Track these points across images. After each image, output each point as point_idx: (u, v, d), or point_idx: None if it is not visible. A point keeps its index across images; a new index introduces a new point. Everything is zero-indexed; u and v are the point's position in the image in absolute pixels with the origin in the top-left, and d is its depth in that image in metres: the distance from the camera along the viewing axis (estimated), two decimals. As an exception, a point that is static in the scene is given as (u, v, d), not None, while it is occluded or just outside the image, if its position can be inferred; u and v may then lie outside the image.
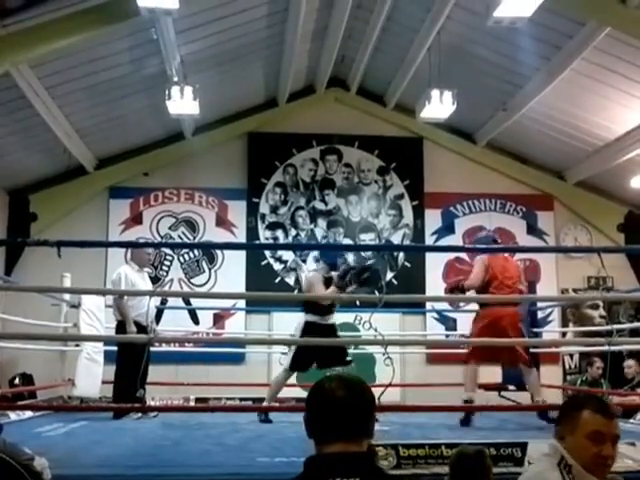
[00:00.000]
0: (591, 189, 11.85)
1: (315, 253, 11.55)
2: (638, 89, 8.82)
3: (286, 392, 7.98)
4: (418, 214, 11.78)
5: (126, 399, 6.66)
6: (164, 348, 9.79)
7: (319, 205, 11.73)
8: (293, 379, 10.12)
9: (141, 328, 7.18)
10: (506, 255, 7.34)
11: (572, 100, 9.65)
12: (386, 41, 10.01)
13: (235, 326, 11.04)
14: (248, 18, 8.82)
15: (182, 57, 8.78)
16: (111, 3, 7.17)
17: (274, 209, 11.60)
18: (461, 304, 10.49)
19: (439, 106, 9.16)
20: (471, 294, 7.09)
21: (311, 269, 8.90)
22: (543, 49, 8.75)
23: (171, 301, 10.73)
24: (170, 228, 11.39)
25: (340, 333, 7.49)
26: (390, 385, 6.28)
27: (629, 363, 8.94)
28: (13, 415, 6.78)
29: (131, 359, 6.65)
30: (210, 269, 11.32)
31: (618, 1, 7.35)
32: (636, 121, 9.45)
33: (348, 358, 7.01)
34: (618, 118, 9.64)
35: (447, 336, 11.12)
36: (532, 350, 8.52)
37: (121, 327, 7.36)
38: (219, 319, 11.10)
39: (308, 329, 6.93)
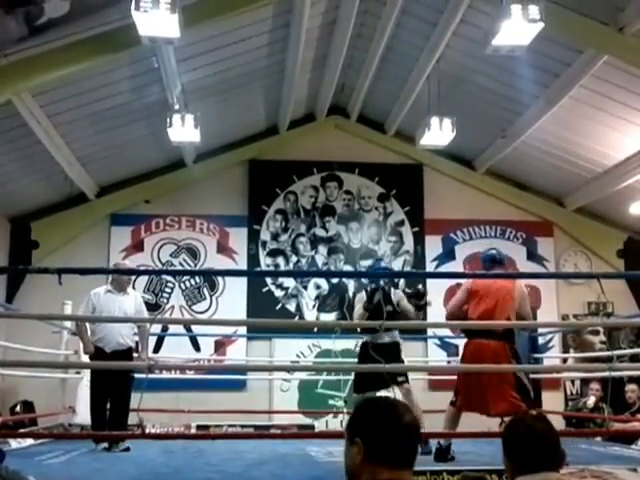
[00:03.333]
0: (590, 215, 11.89)
1: (316, 280, 11.60)
2: (636, 116, 8.89)
3: (288, 419, 8.02)
4: (418, 240, 11.81)
5: (103, 427, 6.77)
6: (165, 375, 9.78)
7: (320, 232, 11.76)
8: (295, 406, 10.20)
9: (103, 354, 6.83)
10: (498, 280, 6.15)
11: (571, 127, 9.72)
12: (386, 69, 10.10)
13: (236, 353, 11.00)
14: (249, 47, 8.90)
15: (183, 85, 8.85)
16: (113, 32, 7.22)
17: (275, 236, 11.63)
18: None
19: (439, 133, 9.24)
20: None
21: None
22: (541, 77, 8.83)
23: (172, 328, 10.73)
24: (171, 255, 11.41)
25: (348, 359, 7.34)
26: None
27: (632, 387, 8.90)
28: (14, 443, 6.76)
29: (96, 386, 6.84)
30: (211, 296, 11.33)
31: (615, 29, 7.43)
32: (634, 148, 9.50)
33: (401, 378, 6.61)
34: (617, 145, 9.70)
35: (449, 362, 11.10)
36: (533, 376, 8.51)
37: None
38: (220, 346, 11.08)
39: (361, 350, 6.94)
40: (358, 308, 7.07)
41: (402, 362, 6.93)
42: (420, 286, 7.91)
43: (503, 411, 5.66)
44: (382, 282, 7.05)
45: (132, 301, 7.17)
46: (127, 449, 6.67)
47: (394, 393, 6.30)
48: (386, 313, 6.73)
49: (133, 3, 6.10)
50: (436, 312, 10.78)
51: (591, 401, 9.20)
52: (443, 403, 6.51)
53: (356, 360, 10.22)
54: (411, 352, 11.03)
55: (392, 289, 7.12)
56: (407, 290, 7.33)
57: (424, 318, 7.82)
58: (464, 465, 5.63)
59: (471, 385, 5.85)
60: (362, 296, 7.14)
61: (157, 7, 6.07)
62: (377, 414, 2.08)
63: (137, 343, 7.24)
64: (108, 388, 6.77)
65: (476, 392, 5.78)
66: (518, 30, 6.53)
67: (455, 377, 6.39)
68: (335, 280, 11.55)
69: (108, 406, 6.88)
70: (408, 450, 2.03)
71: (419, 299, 6.89)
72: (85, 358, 8.41)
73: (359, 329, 7.18)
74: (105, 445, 6.70)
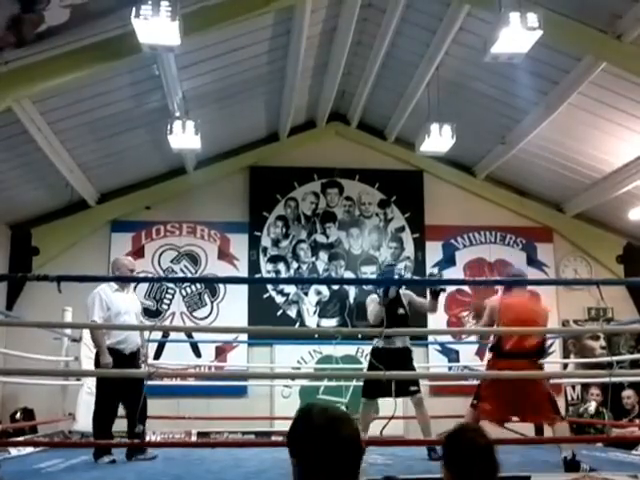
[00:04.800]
0: (590, 221, 11.92)
1: (316, 286, 11.62)
2: (634, 123, 8.92)
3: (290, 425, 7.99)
4: (419, 246, 11.84)
5: (105, 436, 6.37)
6: (165, 382, 9.78)
7: (320, 238, 11.78)
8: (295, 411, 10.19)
9: (122, 357, 6.39)
10: (526, 300, 6.22)
11: (570, 134, 9.75)
12: (386, 76, 10.13)
13: (237, 359, 11.02)
14: (249, 54, 8.94)
15: (184, 92, 8.88)
16: (113, 40, 7.25)
17: (276, 242, 11.65)
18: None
19: (438, 140, 9.27)
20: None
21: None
22: (540, 84, 8.86)
23: (173, 334, 10.75)
24: (172, 261, 11.44)
25: (354, 365, 7.16)
26: (393, 418, 6.31)
27: (628, 393, 8.88)
28: (14, 450, 6.75)
29: (108, 392, 6.33)
30: (212, 302, 11.34)
31: (613, 37, 7.46)
32: (633, 154, 9.53)
33: (413, 388, 6.50)
34: (615, 151, 9.72)
35: (450, 368, 11.11)
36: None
37: (96, 356, 6.50)
38: (221, 352, 11.09)
39: (373, 355, 6.63)
40: (373, 307, 6.76)
41: (414, 369, 6.78)
42: (435, 270, 7.70)
43: (539, 420, 6.14)
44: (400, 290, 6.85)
45: (136, 299, 7.07)
46: (154, 457, 6.45)
47: (395, 402, 6.22)
48: (399, 316, 6.64)
49: (133, 11, 6.13)
50: (437, 318, 10.91)
51: (592, 407, 9.22)
52: (445, 409, 6.54)
53: (357, 366, 10.32)
54: (414, 358, 11.07)
55: (400, 291, 6.85)
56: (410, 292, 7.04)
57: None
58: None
59: (505, 393, 5.78)
60: (374, 297, 6.85)
61: (157, 15, 6.10)
62: (310, 431, 1.99)
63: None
64: (121, 394, 6.38)
65: (511, 400, 5.75)
66: (517, 38, 6.55)
67: (456, 383, 6.42)
68: (336, 286, 11.57)
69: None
70: (345, 466, 1.94)
71: (436, 297, 6.69)
72: (87, 365, 8.45)
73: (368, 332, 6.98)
74: (112, 458, 6.24)
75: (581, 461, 5.40)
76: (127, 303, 6.73)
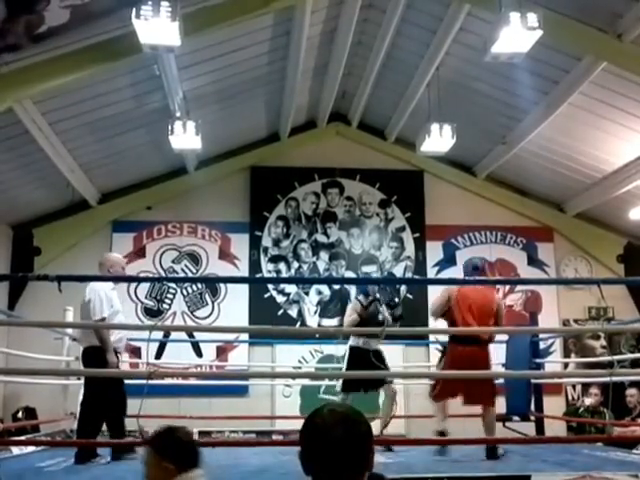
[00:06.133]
0: (590, 221, 11.93)
1: (317, 285, 11.64)
2: (635, 122, 8.92)
3: (291, 424, 7.99)
4: (419, 246, 11.85)
5: (91, 435, 6.19)
6: (167, 381, 9.78)
7: (321, 238, 11.80)
8: (297, 411, 10.21)
9: (117, 356, 6.34)
10: (480, 287, 6.75)
11: (570, 133, 9.76)
12: (386, 77, 10.14)
13: (238, 358, 11.03)
14: (250, 55, 8.95)
15: (185, 93, 8.89)
16: (113, 40, 7.25)
17: (276, 242, 11.67)
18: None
19: (439, 140, 9.27)
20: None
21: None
22: (541, 84, 8.86)
23: (174, 334, 10.76)
24: (173, 261, 11.46)
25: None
26: (394, 417, 6.34)
27: (631, 392, 8.90)
28: (15, 449, 6.76)
29: (101, 392, 6.12)
30: (213, 302, 11.36)
31: (614, 36, 7.46)
32: (634, 154, 9.54)
33: (389, 379, 7.31)
34: (616, 151, 9.73)
35: (441, 360, 11.09)
36: (535, 381, 8.55)
37: (92, 354, 6.25)
38: (222, 351, 11.11)
39: (352, 352, 7.26)
40: (350, 314, 7.44)
41: (387, 367, 7.31)
42: (396, 299, 8.44)
43: (479, 402, 6.51)
44: (377, 295, 7.47)
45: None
46: None
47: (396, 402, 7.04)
48: (378, 323, 7.15)
49: (134, 11, 6.14)
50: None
51: (588, 401, 9.24)
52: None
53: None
54: (414, 357, 11.11)
55: (381, 304, 7.48)
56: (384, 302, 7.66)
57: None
58: (467, 470, 5.66)
59: (460, 386, 6.50)
60: (356, 303, 7.52)
61: (158, 15, 6.10)
62: (306, 432, 2.00)
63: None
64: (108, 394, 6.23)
65: (458, 384, 6.47)
66: (517, 37, 6.55)
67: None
68: (337, 286, 11.59)
69: None
70: (338, 466, 1.93)
71: (394, 308, 7.54)
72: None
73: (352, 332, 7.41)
74: (108, 459, 6.12)
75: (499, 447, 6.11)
76: (119, 301, 6.65)
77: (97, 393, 6.22)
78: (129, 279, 6.89)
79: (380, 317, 7.27)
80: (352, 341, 7.32)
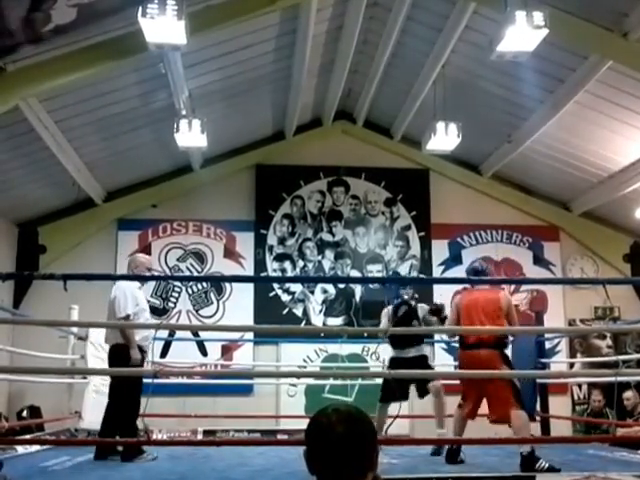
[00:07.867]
0: (596, 220, 11.90)
1: (323, 284, 11.63)
2: (641, 121, 8.91)
3: (296, 423, 7.95)
4: (425, 245, 11.84)
5: (117, 435, 6.18)
6: (171, 380, 9.79)
7: (326, 236, 11.79)
8: (301, 410, 10.20)
9: (143, 354, 6.39)
10: (480, 289, 6.39)
11: (576, 132, 9.73)
12: (392, 75, 10.13)
13: (243, 357, 11.04)
14: (255, 53, 8.95)
15: (190, 91, 8.89)
16: (120, 39, 7.27)
17: (282, 240, 11.66)
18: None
19: (444, 138, 9.26)
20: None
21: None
22: (546, 82, 8.84)
23: (179, 333, 10.76)
24: (178, 260, 11.46)
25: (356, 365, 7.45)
26: (398, 416, 6.32)
27: (628, 395, 8.83)
28: (20, 448, 6.76)
29: (128, 391, 6.13)
30: (218, 300, 11.36)
31: (619, 35, 7.45)
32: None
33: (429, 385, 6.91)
34: (622, 150, 9.70)
35: (456, 367, 11.06)
36: (541, 381, 8.53)
37: (117, 352, 6.31)
38: (227, 350, 11.11)
39: (391, 364, 6.93)
40: (384, 322, 7.20)
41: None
42: (438, 301, 8.06)
43: (500, 417, 5.91)
44: (406, 297, 7.14)
45: None
46: (155, 458, 6.32)
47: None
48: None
49: (140, 10, 6.14)
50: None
51: (597, 406, 9.23)
52: (450, 407, 6.58)
53: (363, 365, 10.36)
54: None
55: (418, 304, 7.18)
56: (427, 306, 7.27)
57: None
58: (472, 470, 5.64)
59: (476, 395, 6.13)
60: (388, 310, 7.20)
61: (164, 14, 6.11)
62: (310, 431, 1.99)
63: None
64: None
65: (471, 390, 6.12)
66: (523, 36, 6.54)
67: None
68: (342, 285, 11.58)
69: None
70: (341, 465, 1.92)
71: (439, 314, 6.94)
72: (93, 363, 8.48)
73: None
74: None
75: (540, 457, 5.50)
76: (145, 300, 6.76)
77: (123, 391, 6.21)
78: (134, 277, 6.84)
79: (414, 323, 6.98)
80: (392, 352, 7.00)
